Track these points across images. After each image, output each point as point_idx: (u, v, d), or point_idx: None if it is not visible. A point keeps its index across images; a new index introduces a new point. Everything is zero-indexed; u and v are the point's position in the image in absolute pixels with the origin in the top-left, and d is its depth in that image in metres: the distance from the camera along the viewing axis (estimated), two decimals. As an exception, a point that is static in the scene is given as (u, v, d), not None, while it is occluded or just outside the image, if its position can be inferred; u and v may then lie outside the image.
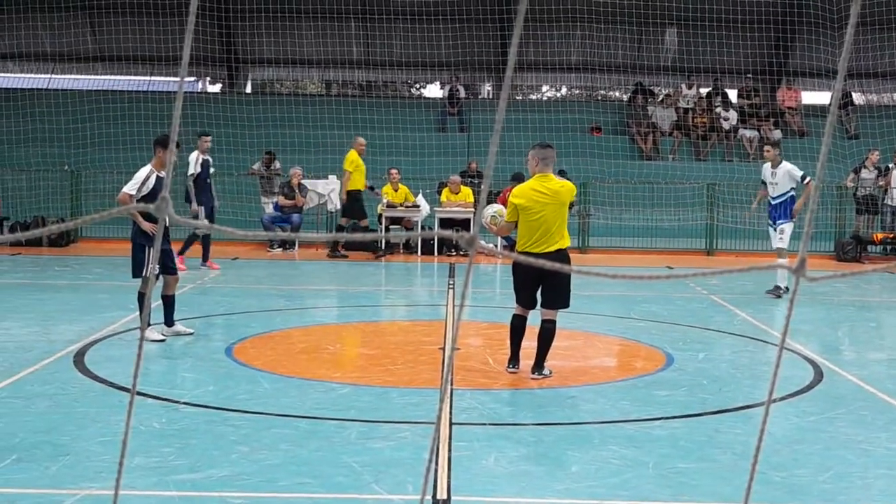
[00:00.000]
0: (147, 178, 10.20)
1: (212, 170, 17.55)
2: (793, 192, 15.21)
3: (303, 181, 22.16)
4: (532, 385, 8.93)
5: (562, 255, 9.06)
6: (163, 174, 10.38)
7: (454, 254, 21.11)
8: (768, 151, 15.70)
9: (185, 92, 29.05)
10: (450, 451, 6.56)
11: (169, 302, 10.50)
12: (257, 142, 26.37)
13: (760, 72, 30.67)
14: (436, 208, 21.59)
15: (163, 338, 10.35)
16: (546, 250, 8.93)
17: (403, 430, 7.14)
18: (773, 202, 15.38)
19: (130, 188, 10.15)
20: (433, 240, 21.21)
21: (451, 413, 7.54)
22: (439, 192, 22.74)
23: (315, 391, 8.42)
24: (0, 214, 23.26)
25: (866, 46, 28.02)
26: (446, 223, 21.17)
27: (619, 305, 14.21)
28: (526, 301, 9.20)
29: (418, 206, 21.48)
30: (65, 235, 21.34)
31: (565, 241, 9.07)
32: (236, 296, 14.42)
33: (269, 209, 22.38)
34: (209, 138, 17.70)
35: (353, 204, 20.12)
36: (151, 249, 10.12)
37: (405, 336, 11.49)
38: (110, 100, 27.76)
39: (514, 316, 9.31)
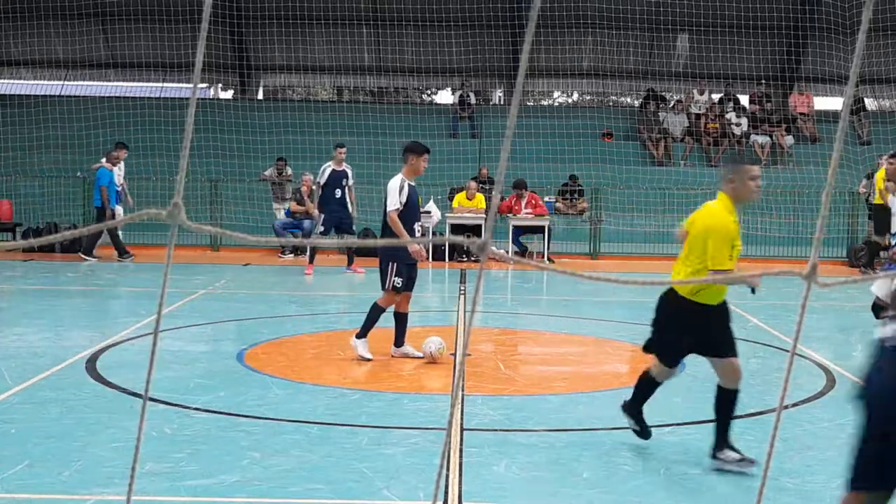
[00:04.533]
0: (402, 187, 9.85)
1: (351, 181, 18.08)
2: None
3: (314, 187, 22.19)
4: (543, 391, 8.92)
5: (668, 301, 6.75)
6: (413, 182, 10.03)
7: (465, 259, 21.12)
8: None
9: (198, 98, 29.13)
10: (461, 457, 6.56)
11: (402, 319, 10.16)
12: (269, 148, 26.42)
13: (772, 77, 30.62)
14: (447, 214, 21.60)
15: (369, 356, 10.01)
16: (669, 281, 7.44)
17: (415, 435, 7.14)
18: None
19: (394, 204, 9.74)
20: (444, 245, 21.21)
21: (462, 419, 7.54)
22: (451, 199, 22.75)
23: (326, 397, 8.43)
24: (13, 220, 23.34)
25: (878, 52, 27.95)
26: (457, 229, 21.18)
27: (630, 311, 14.19)
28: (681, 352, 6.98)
29: (429, 213, 21.48)
30: (77, 241, 21.39)
31: (681, 278, 6.72)
32: (248, 301, 14.44)
33: (281, 215, 22.41)
34: (343, 149, 18.12)
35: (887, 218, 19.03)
36: (395, 263, 9.81)
37: (416, 342, 11.48)
38: (123, 106, 27.87)
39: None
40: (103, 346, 10.35)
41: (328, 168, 17.96)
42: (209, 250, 22.29)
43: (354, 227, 18.84)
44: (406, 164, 10.00)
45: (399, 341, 10.21)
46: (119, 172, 20.41)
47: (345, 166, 17.98)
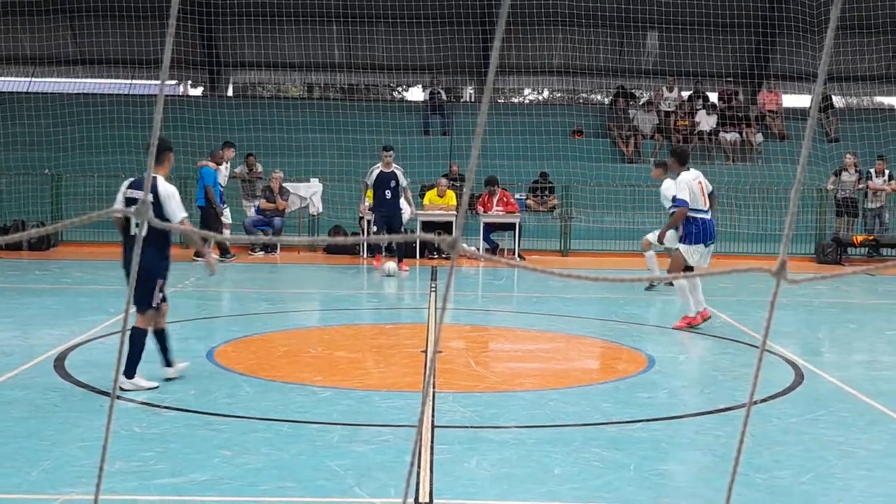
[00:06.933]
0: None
1: (402, 181, 18.15)
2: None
3: (284, 184, 22.12)
4: (514, 387, 8.94)
5: None
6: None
7: (436, 257, 21.11)
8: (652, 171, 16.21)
9: (167, 95, 28.94)
10: (432, 453, 6.56)
11: (165, 336, 8.69)
12: (239, 145, 26.25)
13: (741, 75, 30.79)
14: (418, 211, 21.57)
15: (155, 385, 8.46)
16: None
17: (385, 433, 7.14)
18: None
19: (184, 211, 8.35)
20: (415, 242, 21.19)
21: (433, 416, 7.54)
22: (422, 195, 22.73)
23: (297, 395, 8.40)
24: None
25: (846, 50, 28.16)
26: (428, 226, 21.16)
27: (600, 308, 14.24)
28: None
29: (401, 209, 21.44)
30: (45, 239, 21.24)
31: None
32: (218, 299, 14.38)
33: (251, 212, 22.32)
34: (388, 153, 18.20)
35: None
36: (161, 280, 8.45)
37: (387, 339, 11.48)
38: (91, 103, 27.63)
39: None
40: (71, 344, 10.27)
41: (376, 170, 18.19)
42: (179, 248, 22.18)
43: (404, 228, 18.79)
44: (163, 163, 8.64)
45: (170, 359, 8.67)
46: (225, 172, 20.33)
47: (393, 168, 18.11)
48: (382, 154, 18.32)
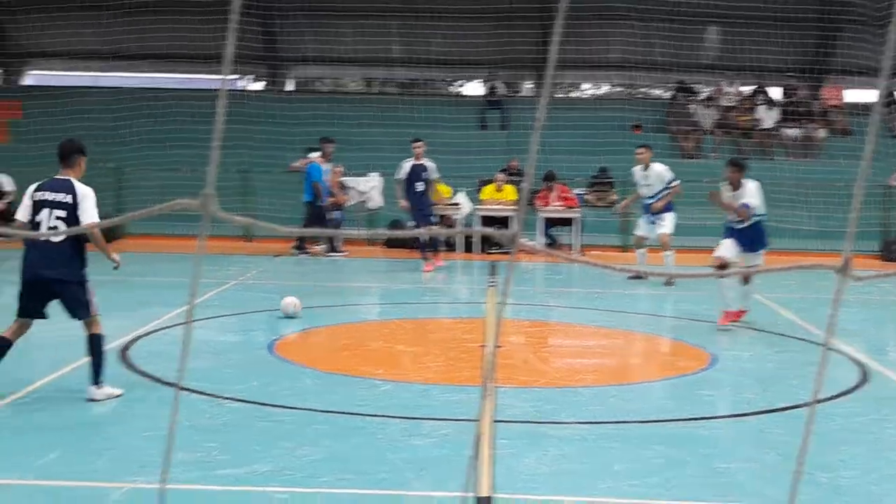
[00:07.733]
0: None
1: (432, 175, 17.92)
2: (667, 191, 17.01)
3: (343, 179, 22.24)
4: (574, 383, 8.92)
5: None
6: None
7: (495, 251, 21.10)
8: (640, 153, 17.05)
9: (228, 90, 29.13)
10: (491, 448, 6.56)
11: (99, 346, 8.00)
12: (298, 140, 26.46)
13: (803, 70, 30.37)
14: (477, 206, 21.58)
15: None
16: None
17: (445, 427, 7.15)
18: (646, 201, 17.24)
19: (95, 216, 8.34)
20: (474, 237, 21.18)
21: (493, 410, 7.54)
22: (479, 191, 22.72)
23: (357, 387, 8.45)
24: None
25: (911, 43, 27.66)
26: (487, 221, 21.15)
27: (661, 304, 14.15)
28: None
29: (458, 204, 21.47)
30: (109, 232, 21.52)
31: None
32: (279, 292, 14.48)
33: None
34: (418, 143, 18.01)
35: None
36: (89, 283, 8.22)
37: (447, 333, 11.51)
38: (153, 98, 27.99)
39: None
40: (135, 335, 10.42)
41: (407, 163, 17.78)
42: (243, 241, 22.40)
43: (433, 219, 18.50)
44: (74, 166, 8.45)
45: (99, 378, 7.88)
46: (328, 167, 20.62)
47: (423, 160, 17.83)
48: (413, 146, 17.90)
